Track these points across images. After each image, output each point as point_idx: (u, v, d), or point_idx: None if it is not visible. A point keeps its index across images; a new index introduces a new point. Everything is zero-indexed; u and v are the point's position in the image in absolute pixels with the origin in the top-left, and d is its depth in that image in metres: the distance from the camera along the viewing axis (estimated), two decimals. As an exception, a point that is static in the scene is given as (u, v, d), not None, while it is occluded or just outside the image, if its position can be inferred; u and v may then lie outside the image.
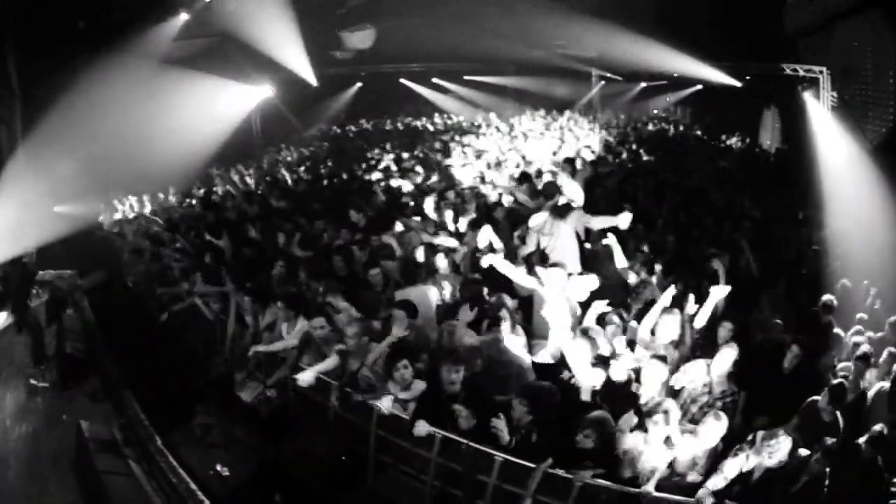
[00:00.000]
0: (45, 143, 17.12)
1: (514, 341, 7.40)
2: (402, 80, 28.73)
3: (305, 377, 7.44)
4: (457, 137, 21.98)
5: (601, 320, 7.80)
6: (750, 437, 5.87)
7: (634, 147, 19.58)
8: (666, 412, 6.04)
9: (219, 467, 7.61)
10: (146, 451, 8.36)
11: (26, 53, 16.96)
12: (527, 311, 8.51)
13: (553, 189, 10.51)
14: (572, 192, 10.37)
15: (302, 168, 21.52)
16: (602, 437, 6.12)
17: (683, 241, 11.12)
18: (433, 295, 8.97)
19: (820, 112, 18.13)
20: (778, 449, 5.58)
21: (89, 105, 17.50)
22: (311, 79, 24.38)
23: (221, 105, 23.03)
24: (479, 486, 6.56)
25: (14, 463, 9.25)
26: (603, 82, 26.55)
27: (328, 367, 7.61)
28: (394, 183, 16.01)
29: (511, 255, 9.74)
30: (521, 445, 6.26)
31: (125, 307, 13.30)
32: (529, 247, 9.91)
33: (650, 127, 24.82)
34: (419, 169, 17.25)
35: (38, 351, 10.94)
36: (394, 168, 18.05)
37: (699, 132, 24.30)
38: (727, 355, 7.13)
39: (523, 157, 15.98)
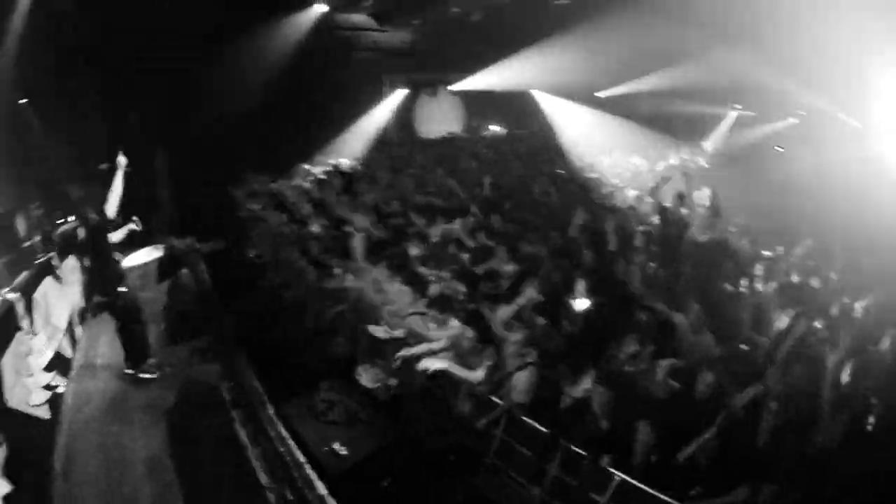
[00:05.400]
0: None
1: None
2: (534, 91, 27.03)
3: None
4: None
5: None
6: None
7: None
8: None
9: (336, 445, 7.55)
10: (254, 417, 8.48)
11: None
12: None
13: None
14: None
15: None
16: None
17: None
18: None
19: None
20: None
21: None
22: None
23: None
24: None
25: (98, 399, 9.65)
26: (735, 114, 24.72)
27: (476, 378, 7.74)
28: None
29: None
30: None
31: (245, 276, 13.13)
32: None
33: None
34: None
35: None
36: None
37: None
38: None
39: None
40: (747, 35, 16.36)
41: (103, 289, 10.00)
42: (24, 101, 15.52)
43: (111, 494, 7.58)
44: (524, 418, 7.01)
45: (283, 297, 11.66)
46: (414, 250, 10.73)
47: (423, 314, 8.98)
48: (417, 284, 9.65)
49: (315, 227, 12.94)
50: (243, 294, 12.56)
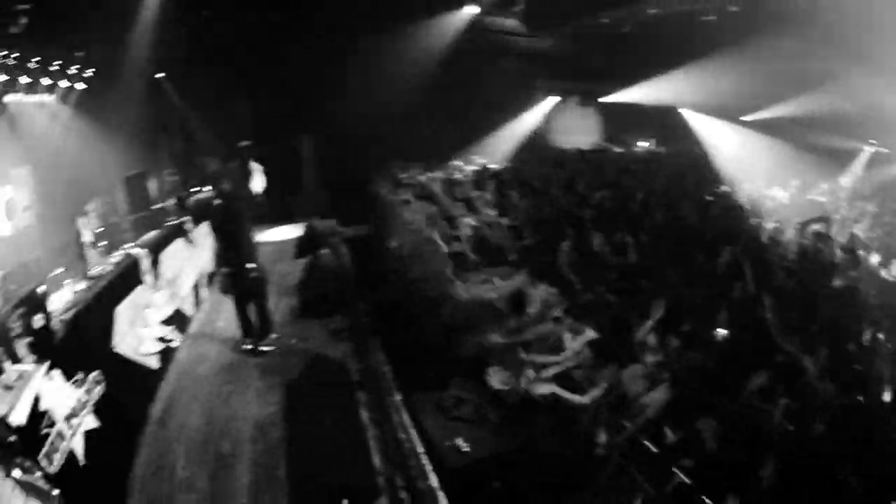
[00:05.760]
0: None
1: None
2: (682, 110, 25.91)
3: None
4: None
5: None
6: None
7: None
8: None
9: (459, 441, 7.36)
10: (380, 402, 8.26)
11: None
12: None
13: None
14: None
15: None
16: None
17: None
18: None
19: None
20: None
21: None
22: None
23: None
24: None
25: (214, 359, 9.59)
26: (872, 150, 22.07)
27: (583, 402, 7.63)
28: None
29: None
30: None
31: (385, 264, 13.24)
32: None
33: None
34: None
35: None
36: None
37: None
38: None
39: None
40: (887, 65, 15.39)
41: (233, 260, 9.53)
42: (161, 75, 16.38)
43: (207, 447, 7.29)
44: (646, 443, 6.83)
45: (422, 289, 11.52)
46: (565, 258, 10.43)
47: (558, 321, 8.64)
48: (565, 292, 9.24)
49: (464, 226, 12.71)
50: (382, 281, 12.53)
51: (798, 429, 6.28)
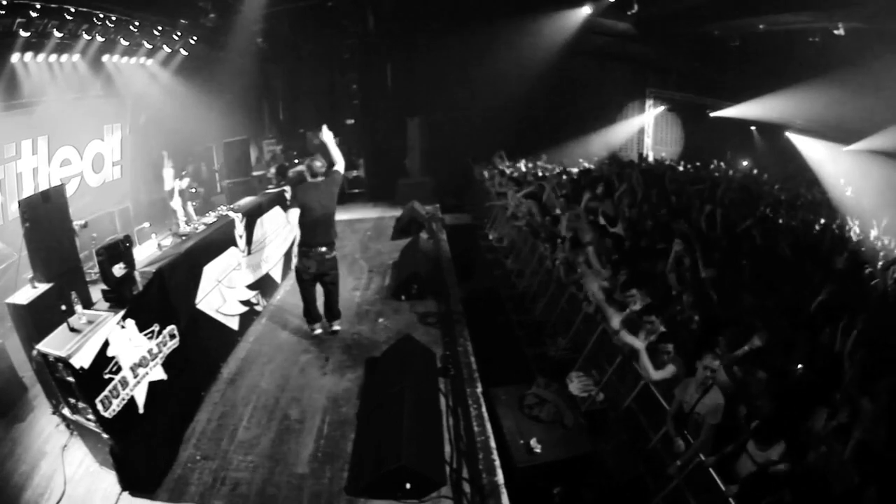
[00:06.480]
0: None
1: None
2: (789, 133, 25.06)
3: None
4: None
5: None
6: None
7: None
8: None
9: (533, 441, 7.17)
10: (461, 390, 8.14)
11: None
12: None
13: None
14: None
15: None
16: None
17: None
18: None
19: None
20: None
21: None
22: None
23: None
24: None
25: (296, 328, 9.68)
26: None
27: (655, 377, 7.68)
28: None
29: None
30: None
31: (483, 255, 13.49)
32: None
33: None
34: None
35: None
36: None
37: None
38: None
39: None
40: None
41: (312, 239, 9.05)
42: (260, 40, 16.49)
43: (274, 411, 7.36)
44: (705, 464, 6.65)
45: (518, 284, 11.73)
46: (670, 269, 10.15)
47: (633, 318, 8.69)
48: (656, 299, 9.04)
49: (565, 225, 12.42)
50: (477, 271, 12.48)
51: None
